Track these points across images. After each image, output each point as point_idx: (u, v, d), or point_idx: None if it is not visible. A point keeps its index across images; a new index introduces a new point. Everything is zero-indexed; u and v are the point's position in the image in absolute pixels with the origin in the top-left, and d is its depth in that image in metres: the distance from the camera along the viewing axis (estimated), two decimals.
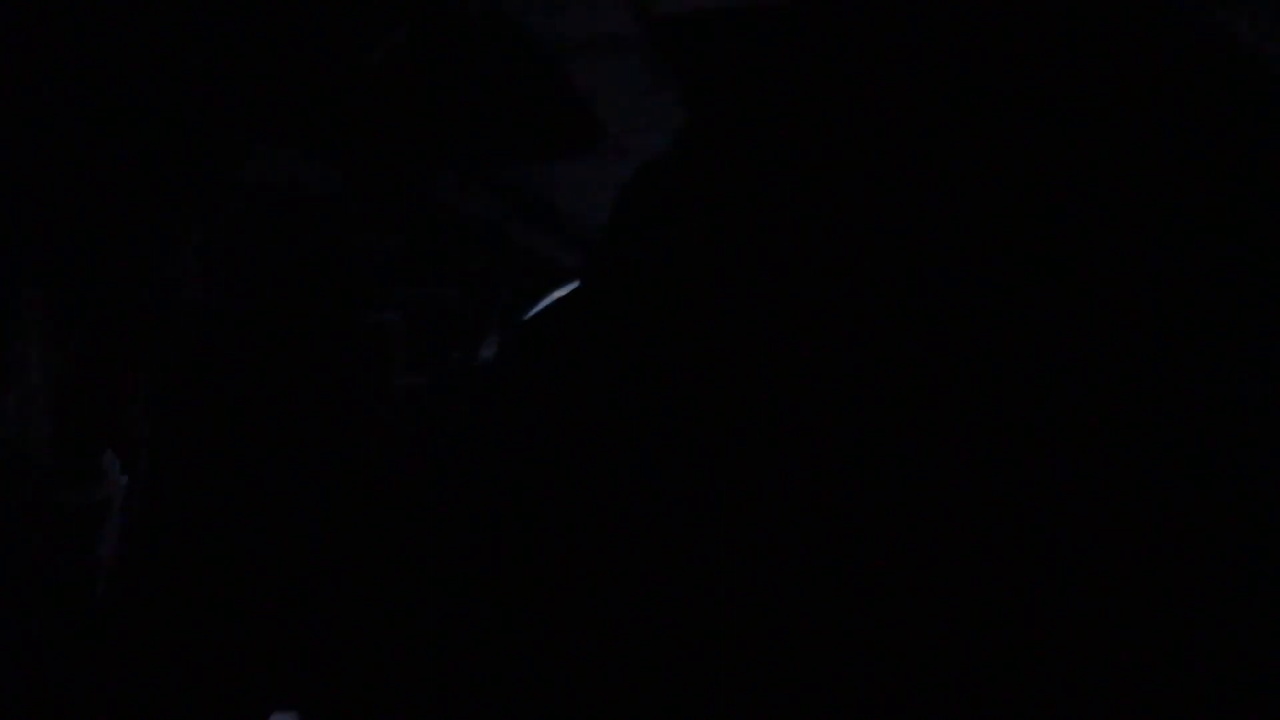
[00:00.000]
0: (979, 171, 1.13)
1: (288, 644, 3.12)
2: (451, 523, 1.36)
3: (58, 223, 2.36)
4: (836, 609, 1.20)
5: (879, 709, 1.17)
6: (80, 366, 2.51)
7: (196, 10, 2.46)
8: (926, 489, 1.16)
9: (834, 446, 1.22)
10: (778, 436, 1.23)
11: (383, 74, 2.88)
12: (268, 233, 3.33)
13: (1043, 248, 1.13)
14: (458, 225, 4.53)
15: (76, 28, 2.27)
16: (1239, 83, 1.16)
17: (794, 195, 1.24)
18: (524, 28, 2.83)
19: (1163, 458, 1.18)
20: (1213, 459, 1.12)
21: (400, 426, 4.38)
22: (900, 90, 1.18)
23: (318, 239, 3.55)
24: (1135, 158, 1.13)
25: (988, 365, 1.19)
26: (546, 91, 3.22)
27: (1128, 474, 1.18)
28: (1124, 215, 1.13)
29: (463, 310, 5.22)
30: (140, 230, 2.63)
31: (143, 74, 2.45)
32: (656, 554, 1.27)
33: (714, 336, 1.28)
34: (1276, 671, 1.12)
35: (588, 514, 1.31)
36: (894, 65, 1.20)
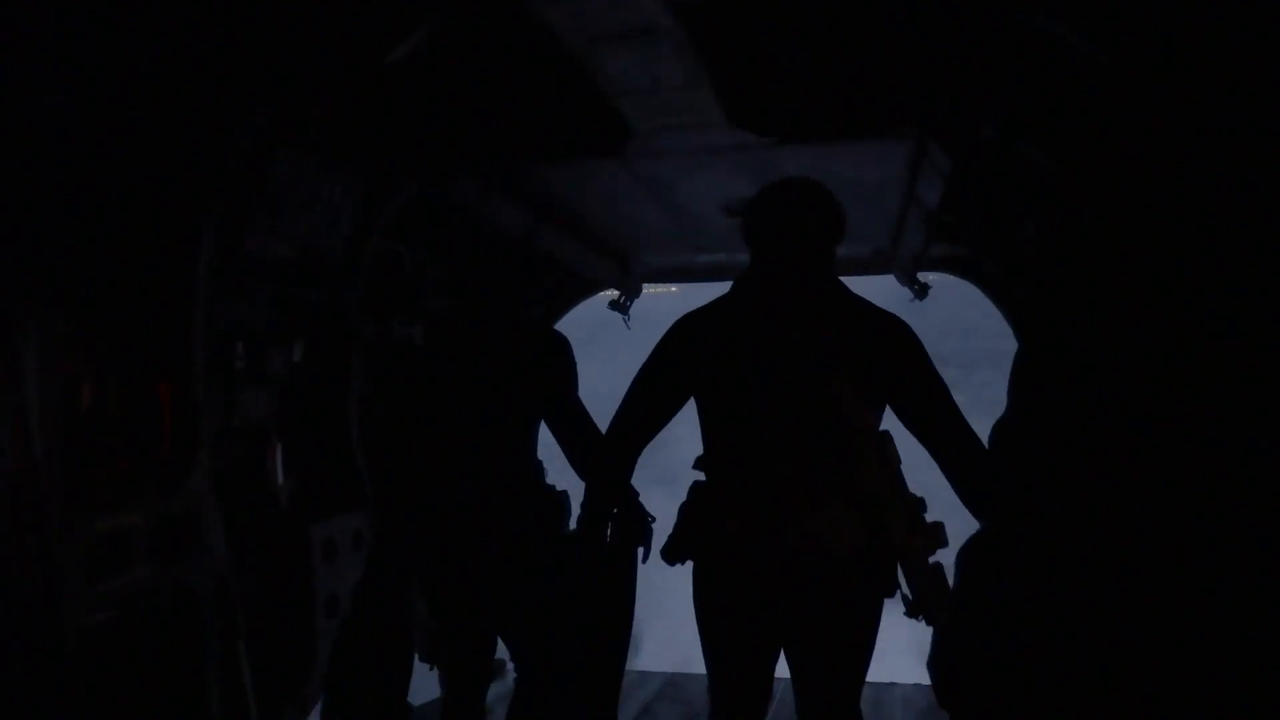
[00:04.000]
0: None
1: None
2: None
3: (67, 230, 2.27)
4: None
5: None
6: (98, 384, 2.43)
7: (215, 11, 2.38)
8: None
9: None
10: None
11: (403, 76, 2.77)
12: (293, 247, 3.24)
13: None
14: (483, 234, 4.43)
15: (92, 29, 2.20)
16: None
17: None
18: (547, 22, 2.71)
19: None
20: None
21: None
22: None
23: (342, 251, 3.46)
24: None
25: None
26: (571, 90, 3.09)
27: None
28: None
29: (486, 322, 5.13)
30: (157, 239, 2.54)
31: (160, 76, 2.36)
32: None
33: None
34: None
35: None
36: None
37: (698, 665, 2.70)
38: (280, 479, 3.17)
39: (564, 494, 3.04)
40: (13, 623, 2.16)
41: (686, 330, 2.48)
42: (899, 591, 2.23)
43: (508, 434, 2.90)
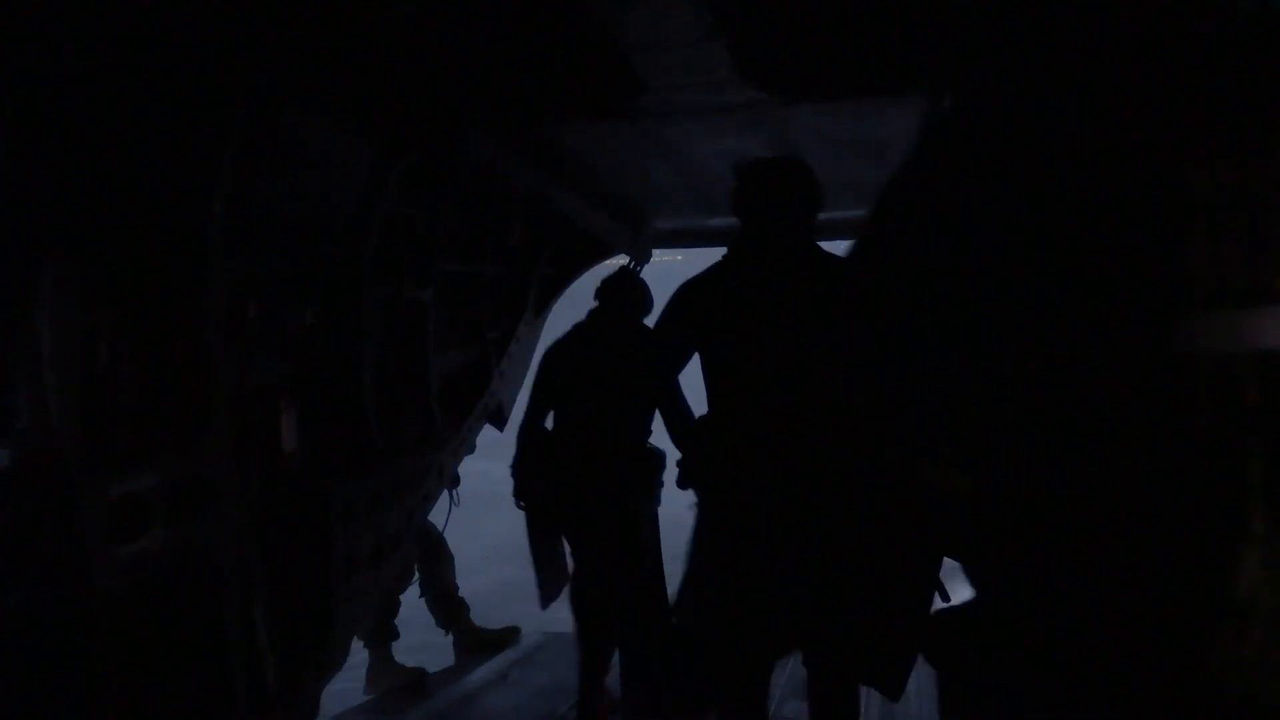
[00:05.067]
0: None
1: None
2: None
3: (79, 189, 2.24)
4: None
5: None
6: (117, 347, 2.42)
7: None
8: None
9: None
10: None
11: (410, 29, 2.73)
12: (301, 208, 3.21)
13: None
14: (494, 194, 4.40)
15: None
16: None
17: None
18: None
19: None
20: None
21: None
22: None
23: (350, 213, 3.43)
24: None
25: None
26: (583, 45, 3.05)
27: None
28: None
29: (500, 286, 5.12)
30: (171, 202, 2.52)
31: (170, 30, 2.33)
32: None
33: None
34: None
35: None
36: None
37: None
38: (294, 441, 3.15)
39: (661, 453, 3.94)
40: (40, 586, 2.16)
41: (688, 294, 2.92)
42: None
43: (634, 407, 3.85)
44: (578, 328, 4.10)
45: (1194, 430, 1.07)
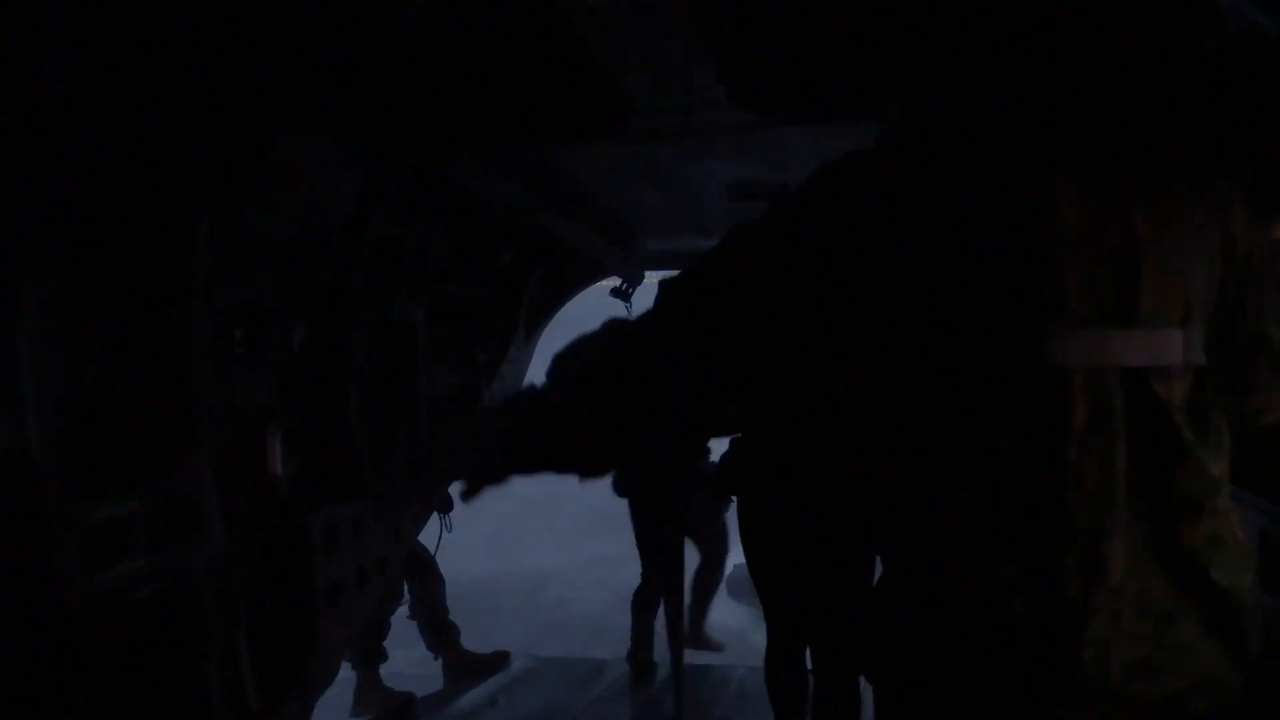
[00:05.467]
0: None
1: None
2: None
3: (64, 209, 2.23)
4: None
5: None
6: (99, 367, 2.39)
7: None
8: None
9: None
10: None
11: (400, 50, 2.72)
12: (290, 229, 3.19)
13: None
14: (485, 214, 4.39)
15: (88, 8, 2.15)
16: None
17: None
18: None
19: None
20: None
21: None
22: None
23: (340, 234, 3.41)
24: None
25: None
26: (572, 68, 3.04)
27: None
28: None
29: (491, 307, 5.10)
30: (156, 218, 2.50)
31: (157, 51, 2.32)
32: None
33: None
34: None
35: None
36: None
37: None
38: (280, 465, 3.12)
39: None
40: (13, 611, 2.13)
41: None
42: None
43: None
44: None
45: (1069, 432, 1.24)
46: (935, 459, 1.30)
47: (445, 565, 5.28)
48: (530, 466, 1.50)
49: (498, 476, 1.51)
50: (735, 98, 3.22)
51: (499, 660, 5.49)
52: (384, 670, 4.79)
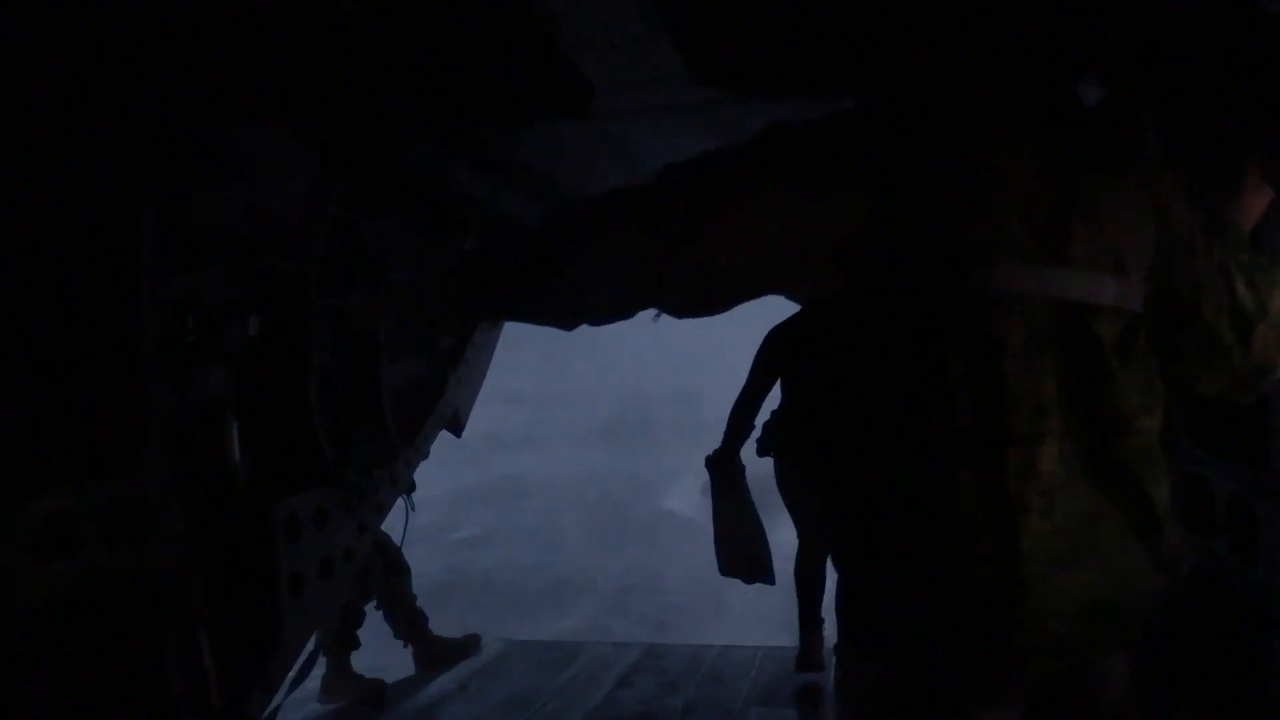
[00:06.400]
0: None
1: None
2: None
3: (3, 197, 2.17)
4: None
5: None
6: (44, 361, 2.34)
7: None
8: None
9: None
10: None
11: (351, 34, 2.65)
12: (244, 218, 3.13)
13: None
14: (446, 199, 4.33)
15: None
16: None
17: None
18: None
19: None
20: None
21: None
22: None
23: (297, 223, 3.35)
24: None
25: None
26: (529, 46, 2.98)
27: None
28: None
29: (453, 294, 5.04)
30: (99, 209, 2.44)
31: (97, 37, 2.25)
32: None
33: None
34: None
35: None
36: None
37: None
38: (238, 456, 3.07)
39: None
40: None
41: None
42: None
43: None
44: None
45: (1008, 350, 1.43)
46: (896, 376, 1.49)
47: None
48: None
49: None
50: (695, 73, 3.18)
51: (470, 645, 5.46)
52: (354, 657, 4.75)
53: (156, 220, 2.52)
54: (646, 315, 1.76)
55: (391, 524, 4.58)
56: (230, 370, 3.07)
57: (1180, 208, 1.56)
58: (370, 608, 4.91)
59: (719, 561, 4.60)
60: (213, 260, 2.97)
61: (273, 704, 3.20)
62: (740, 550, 4.54)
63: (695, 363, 27.48)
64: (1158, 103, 2.57)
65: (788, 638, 5.32)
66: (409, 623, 5.16)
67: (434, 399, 4.79)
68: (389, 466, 4.15)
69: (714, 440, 4.65)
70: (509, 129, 3.81)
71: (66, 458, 2.40)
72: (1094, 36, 1.63)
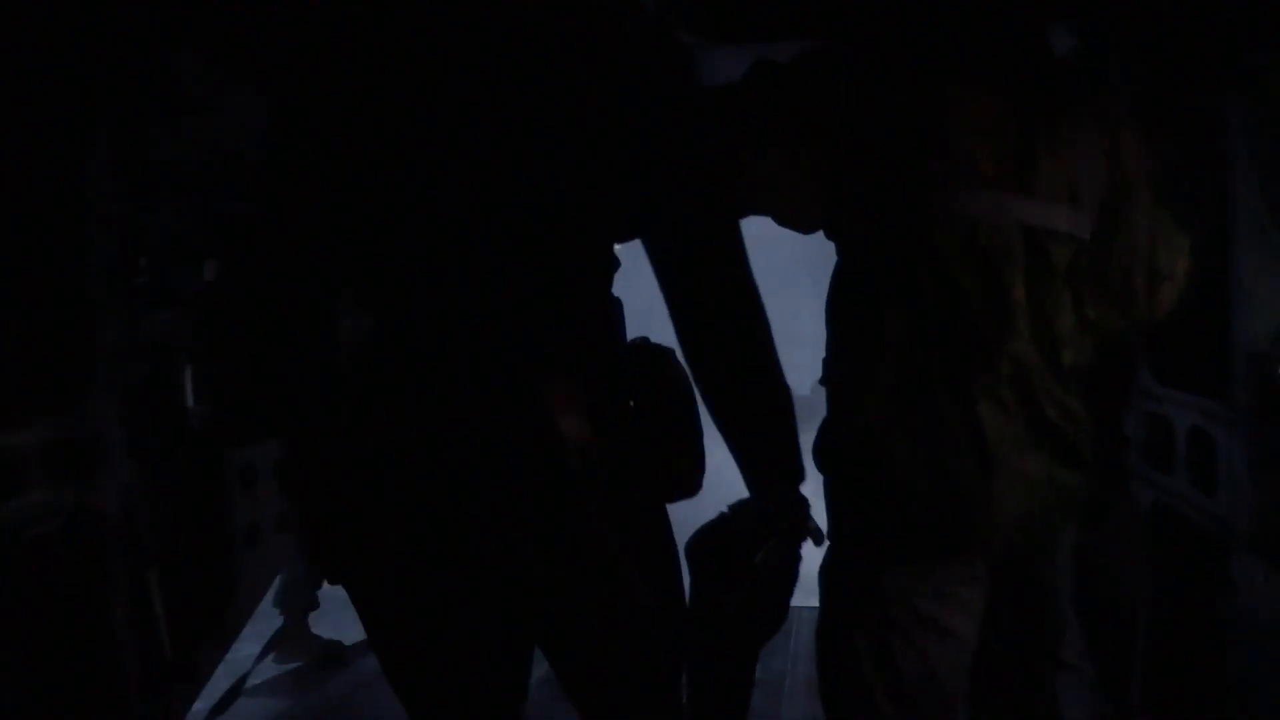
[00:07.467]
0: None
1: None
2: None
3: None
4: None
5: None
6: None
7: None
8: None
9: None
10: None
11: None
12: (200, 157, 3.04)
13: None
14: None
15: None
16: None
17: None
18: None
19: None
20: None
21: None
22: None
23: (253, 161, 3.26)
24: None
25: None
26: None
27: None
28: None
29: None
30: (47, 143, 2.35)
31: None
32: None
33: None
34: None
35: None
36: None
37: None
38: (194, 400, 3.00)
39: None
40: None
41: None
42: None
43: None
44: None
45: (969, 270, 1.60)
46: (876, 291, 1.65)
47: None
48: None
49: None
50: (671, 18, 3.12)
51: None
52: (312, 618, 4.69)
53: (108, 149, 2.43)
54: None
55: None
56: (185, 313, 2.99)
57: (1134, 154, 1.73)
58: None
59: None
60: (167, 197, 2.88)
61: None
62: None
63: None
64: (1126, 55, 2.62)
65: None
66: None
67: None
68: None
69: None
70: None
71: (10, 394, 2.32)
72: None
